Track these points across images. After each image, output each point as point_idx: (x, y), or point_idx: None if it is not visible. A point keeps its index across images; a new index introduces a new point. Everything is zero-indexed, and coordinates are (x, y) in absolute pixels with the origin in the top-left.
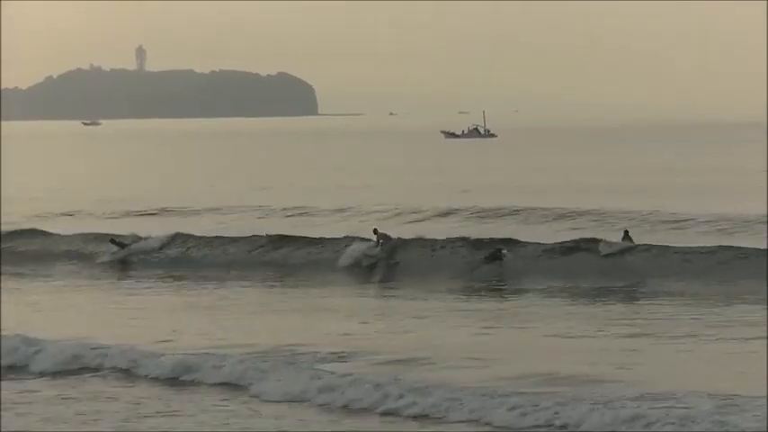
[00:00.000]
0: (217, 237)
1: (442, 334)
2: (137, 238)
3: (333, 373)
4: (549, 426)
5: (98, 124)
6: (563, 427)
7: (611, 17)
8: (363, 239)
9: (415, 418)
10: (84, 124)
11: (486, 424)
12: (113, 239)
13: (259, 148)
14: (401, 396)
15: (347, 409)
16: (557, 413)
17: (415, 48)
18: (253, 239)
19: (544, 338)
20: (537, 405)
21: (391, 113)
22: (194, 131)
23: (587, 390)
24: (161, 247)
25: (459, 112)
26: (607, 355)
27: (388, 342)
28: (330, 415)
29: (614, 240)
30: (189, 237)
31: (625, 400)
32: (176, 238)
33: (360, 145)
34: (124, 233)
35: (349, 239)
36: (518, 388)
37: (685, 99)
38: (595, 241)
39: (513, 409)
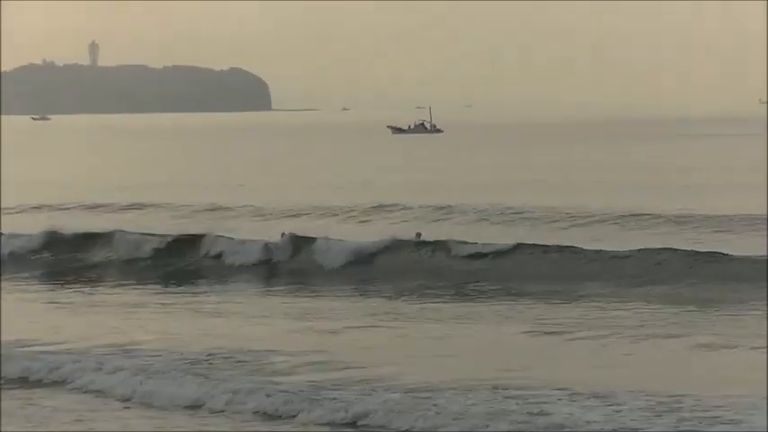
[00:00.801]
0: (94, 233)
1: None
2: None
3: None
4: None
5: (47, 119)
6: None
7: (609, 17)
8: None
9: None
10: (34, 119)
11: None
12: None
13: (205, 144)
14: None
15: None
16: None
17: (374, 45)
18: (145, 239)
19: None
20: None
21: (344, 109)
22: (146, 126)
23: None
24: (36, 248)
25: (417, 107)
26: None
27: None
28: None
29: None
30: (65, 235)
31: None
32: (49, 236)
33: (298, 140)
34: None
35: (254, 242)
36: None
37: (679, 97)
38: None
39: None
